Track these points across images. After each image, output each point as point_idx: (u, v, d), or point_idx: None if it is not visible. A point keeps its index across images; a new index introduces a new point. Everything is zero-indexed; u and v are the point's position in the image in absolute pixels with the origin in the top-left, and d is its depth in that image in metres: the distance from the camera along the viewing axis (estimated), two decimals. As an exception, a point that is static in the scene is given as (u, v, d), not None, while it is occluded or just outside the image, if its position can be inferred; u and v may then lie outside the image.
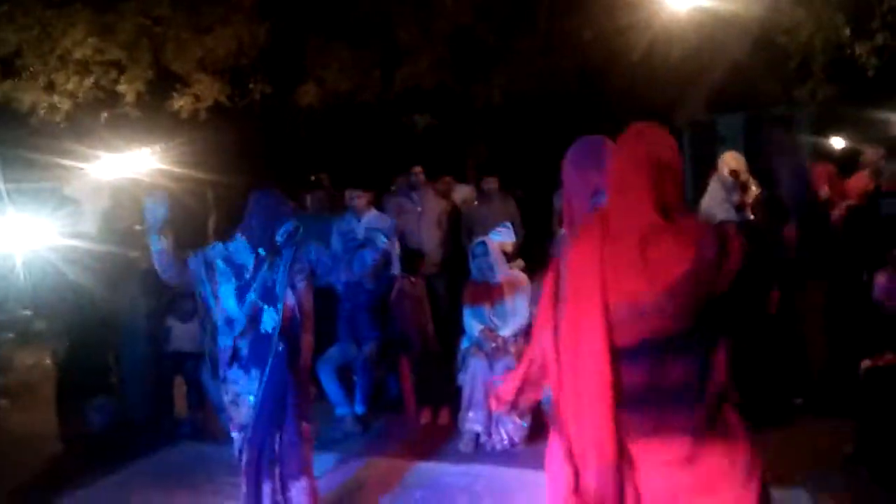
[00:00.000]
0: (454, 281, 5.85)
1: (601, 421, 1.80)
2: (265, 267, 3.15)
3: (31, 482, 4.36)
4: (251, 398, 3.11)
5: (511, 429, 4.30)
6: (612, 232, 1.85)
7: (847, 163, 6.43)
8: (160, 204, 3.08)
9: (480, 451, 4.32)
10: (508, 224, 5.46)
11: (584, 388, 1.84)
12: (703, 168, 6.36)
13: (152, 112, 7.21)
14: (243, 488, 3.19)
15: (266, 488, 3.13)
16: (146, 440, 4.81)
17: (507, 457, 4.20)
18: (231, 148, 8.55)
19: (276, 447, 3.12)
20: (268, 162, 8.71)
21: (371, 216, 5.88)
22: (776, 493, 3.33)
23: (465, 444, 4.36)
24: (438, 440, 4.56)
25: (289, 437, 3.13)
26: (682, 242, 1.76)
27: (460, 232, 6.54)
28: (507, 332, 4.54)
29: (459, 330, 4.80)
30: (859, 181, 5.55)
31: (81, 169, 6.68)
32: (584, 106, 9.18)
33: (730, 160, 5.34)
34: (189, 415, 5.08)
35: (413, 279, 5.28)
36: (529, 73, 8.05)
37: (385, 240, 3.38)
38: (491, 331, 4.55)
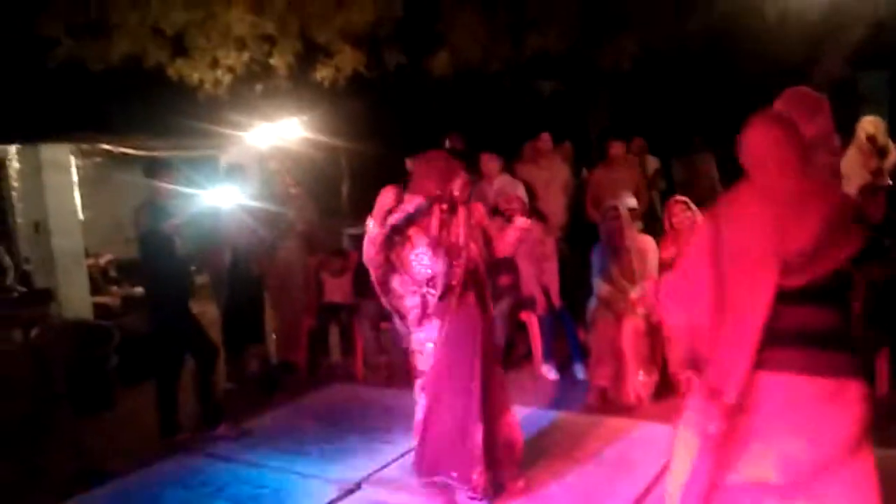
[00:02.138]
0: (579, 244, 6.11)
1: (747, 351, 2.16)
2: (450, 222, 3.41)
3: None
4: (430, 345, 3.41)
5: (638, 384, 4.58)
6: (767, 196, 2.23)
7: None
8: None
9: (608, 405, 4.60)
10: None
11: (741, 328, 2.19)
12: (844, 130, 6.18)
13: (299, 83, 7.78)
14: (417, 433, 3.50)
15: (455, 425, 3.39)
16: (305, 381, 5.45)
17: (634, 411, 4.47)
18: (365, 117, 9.07)
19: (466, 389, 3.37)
20: (400, 131, 9.18)
21: (503, 180, 6.21)
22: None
23: (593, 398, 4.68)
24: (567, 393, 4.90)
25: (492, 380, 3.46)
26: (829, 201, 2.20)
27: (585, 198, 6.75)
28: (635, 293, 4.78)
29: (587, 291, 5.08)
30: None
31: (240, 137, 7.37)
32: (712, 68, 9.04)
33: (867, 125, 5.29)
34: (341, 359, 5.68)
35: (543, 239, 5.57)
36: (660, 38, 8.03)
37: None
38: (619, 292, 4.81)
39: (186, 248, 4.59)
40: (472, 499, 3.39)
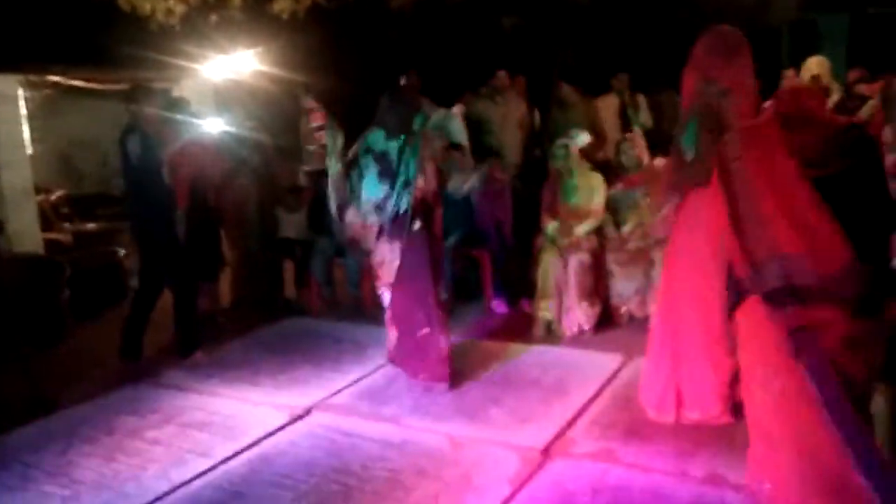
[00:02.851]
0: (533, 181, 6.20)
1: None
2: (407, 152, 3.77)
3: (163, 345, 5.04)
4: (393, 263, 3.84)
5: (581, 316, 4.75)
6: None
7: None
8: (339, 131, 3.96)
9: (552, 336, 4.79)
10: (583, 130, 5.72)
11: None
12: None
13: (255, 14, 7.60)
14: (390, 334, 4.05)
15: (413, 333, 3.94)
16: (260, 315, 5.52)
17: (576, 341, 4.67)
18: (324, 50, 8.92)
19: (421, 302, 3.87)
20: (360, 64, 9.05)
21: (438, 115, 6.23)
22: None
23: (538, 330, 4.85)
24: (514, 326, 5.05)
25: (431, 295, 3.87)
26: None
27: (542, 137, 6.83)
28: (581, 230, 4.90)
29: (537, 227, 5.20)
30: None
31: (194, 69, 7.22)
32: (673, 5, 9.01)
33: (812, 65, 5.42)
34: (296, 294, 5.76)
35: (497, 177, 5.65)
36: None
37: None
38: (566, 228, 4.93)
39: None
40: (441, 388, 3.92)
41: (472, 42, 9.20)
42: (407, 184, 3.77)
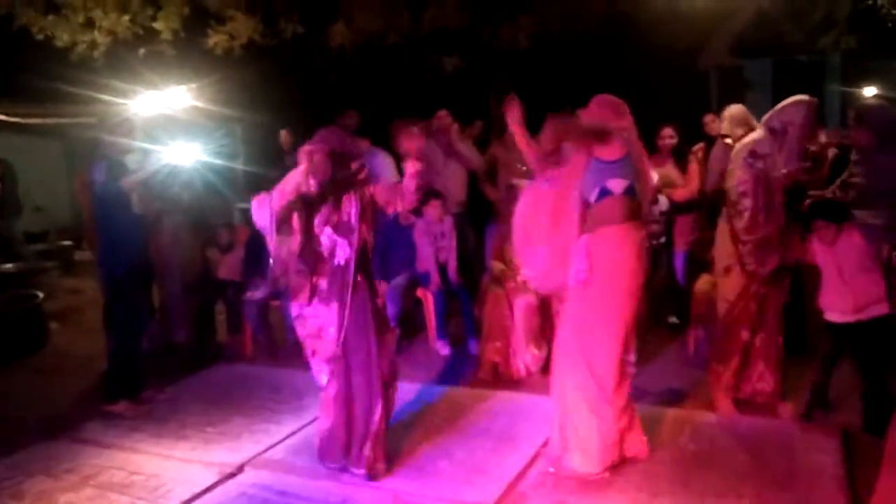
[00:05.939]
0: (477, 220, 6.10)
1: None
2: (338, 201, 3.35)
3: (84, 396, 4.76)
4: (332, 330, 3.31)
5: (528, 359, 4.62)
6: None
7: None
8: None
9: (499, 379, 4.64)
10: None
11: None
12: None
13: (188, 49, 7.36)
14: (328, 417, 3.46)
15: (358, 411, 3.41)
16: (189, 361, 5.20)
17: (523, 384, 4.53)
18: (261, 87, 8.73)
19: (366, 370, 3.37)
20: (297, 101, 8.89)
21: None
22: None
23: (484, 372, 4.70)
24: (459, 368, 4.89)
25: (376, 357, 3.38)
26: None
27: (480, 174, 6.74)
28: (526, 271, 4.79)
29: (482, 267, 5.08)
30: None
31: (121, 104, 6.92)
32: (609, 50, 9.19)
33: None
34: (229, 338, 5.45)
35: (440, 216, 5.51)
36: (556, 17, 8.08)
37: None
38: (511, 269, 4.81)
39: (144, 205, 4.47)
40: (367, 477, 3.37)
41: (413, 82, 9.17)
42: (344, 233, 3.32)
